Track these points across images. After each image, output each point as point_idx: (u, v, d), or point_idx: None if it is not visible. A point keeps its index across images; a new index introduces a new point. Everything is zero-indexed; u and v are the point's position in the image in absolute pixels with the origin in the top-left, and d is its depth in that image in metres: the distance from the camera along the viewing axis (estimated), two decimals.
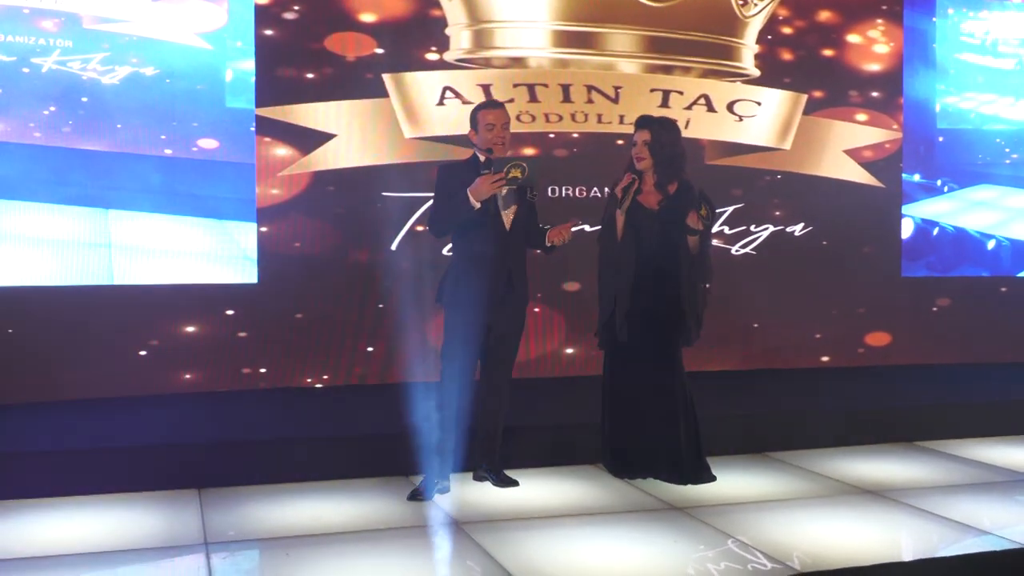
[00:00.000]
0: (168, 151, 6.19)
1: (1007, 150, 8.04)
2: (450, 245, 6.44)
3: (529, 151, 6.66)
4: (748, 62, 7.28)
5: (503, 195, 4.60)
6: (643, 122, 4.92)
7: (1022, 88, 8.07)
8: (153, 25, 6.13)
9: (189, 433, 5.17)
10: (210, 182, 6.26)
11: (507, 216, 4.66)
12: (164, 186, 6.17)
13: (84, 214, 6.07)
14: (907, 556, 3.97)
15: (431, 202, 6.42)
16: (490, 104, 4.80)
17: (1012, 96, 8.05)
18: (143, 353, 6.18)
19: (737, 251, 7.30)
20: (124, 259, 6.15)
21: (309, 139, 6.45)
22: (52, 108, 5.97)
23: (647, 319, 4.82)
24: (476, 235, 4.62)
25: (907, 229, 7.75)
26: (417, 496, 4.57)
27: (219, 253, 6.34)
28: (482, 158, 4.65)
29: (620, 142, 6.85)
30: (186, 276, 6.25)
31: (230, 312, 6.35)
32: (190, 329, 6.27)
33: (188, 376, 6.27)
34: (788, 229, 7.42)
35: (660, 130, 4.86)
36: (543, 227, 4.79)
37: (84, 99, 6.02)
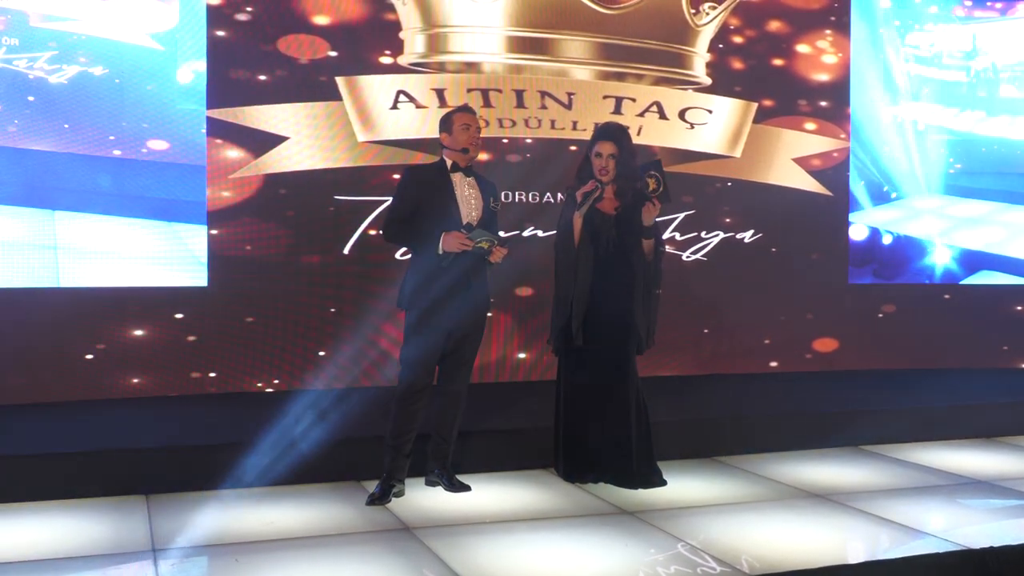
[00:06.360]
0: (117, 152, 6.11)
1: (951, 160, 8.20)
2: (404, 249, 6.47)
3: (483, 156, 6.66)
4: (700, 70, 7.35)
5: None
6: (607, 134, 4.89)
7: (966, 99, 8.25)
8: (102, 24, 6.05)
9: (137, 438, 5.10)
10: (160, 184, 6.19)
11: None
12: (113, 187, 6.09)
13: (30, 215, 5.97)
14: (853, 559, 4.03)
15: (385, 205, 6.41)
16: (466, 108, 4.82)
17: (956, 107, 8.22)
18: (90, 357, 6.09)
19: (688, 257, 7.37)
20: (71, 261, 6.05)
21: (261, 141, 6.39)
22: None
23: (603, 324, 4.85)
24: (437, 239, 4.61)
25: (860, 233, 7.88)
26: (375, 500, 4.56)
27: (168, 255, 6.26)
28: (449, 162, 4.66)
29: (573, 148, 6.89)
30: (134, 279, 6.17)
31: (179, 315, 6.27)
32: (138, 333, 6.19)
33: (136, 380, 6.18)
34: (738, 236, 7.51)
35: (625, 141, 4.90)
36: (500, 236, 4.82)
37: (31, 98, 5.92)
